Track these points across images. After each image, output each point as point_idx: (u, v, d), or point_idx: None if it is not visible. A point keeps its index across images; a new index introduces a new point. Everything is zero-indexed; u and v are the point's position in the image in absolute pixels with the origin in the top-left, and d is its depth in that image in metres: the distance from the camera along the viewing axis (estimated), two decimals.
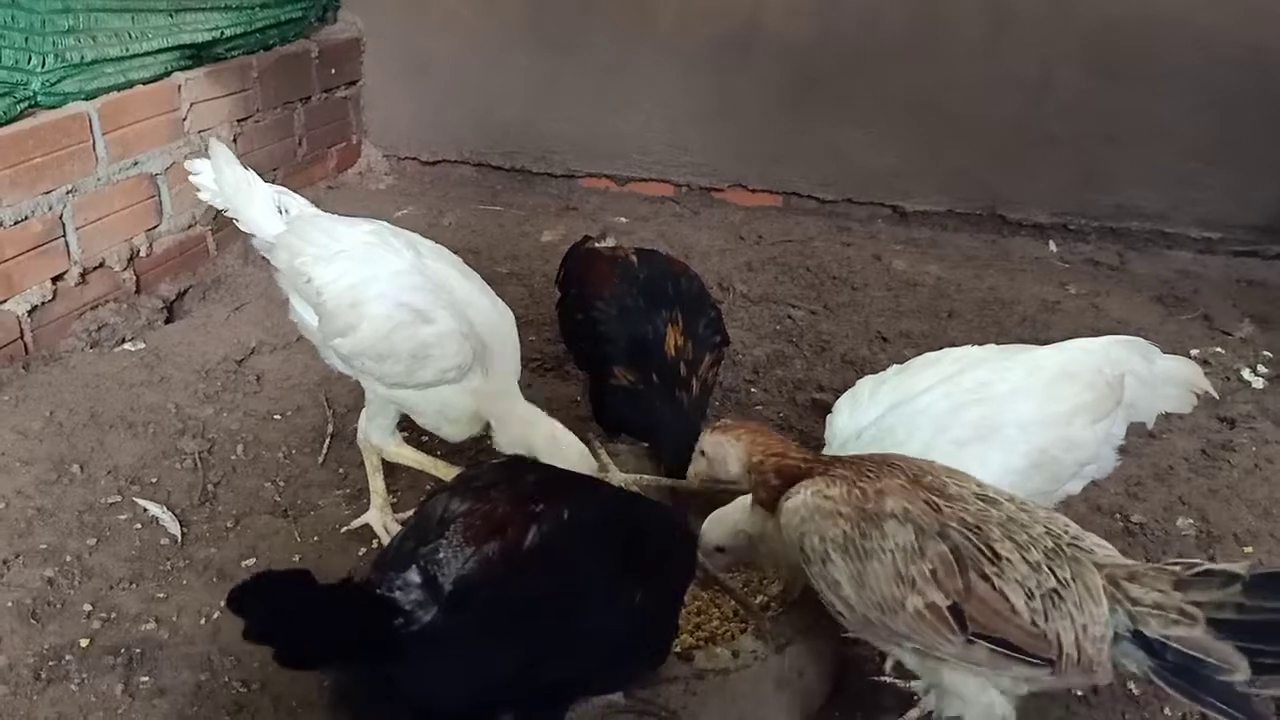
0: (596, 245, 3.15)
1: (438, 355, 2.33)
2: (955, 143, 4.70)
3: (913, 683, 2.28)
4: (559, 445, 2.35)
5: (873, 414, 2.06)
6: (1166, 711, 2.24)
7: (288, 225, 2.45)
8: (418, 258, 2.44)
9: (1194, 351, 3.63)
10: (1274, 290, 4.26)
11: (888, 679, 2.31)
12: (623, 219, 4.84)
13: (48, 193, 3.45)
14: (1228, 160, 4.39)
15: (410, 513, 2.74)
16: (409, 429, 2.69)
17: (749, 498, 2.11)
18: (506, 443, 2.51)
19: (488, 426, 2.49)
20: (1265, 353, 3.70)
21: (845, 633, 2.33)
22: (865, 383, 2.15)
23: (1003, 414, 1.96)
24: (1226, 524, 2.80)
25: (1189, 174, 4.46)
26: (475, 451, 2.95)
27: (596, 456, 2.55)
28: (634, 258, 2.92)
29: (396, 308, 2.32)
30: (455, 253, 2.61)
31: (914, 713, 2.20)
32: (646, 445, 2.74)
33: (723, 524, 2.14)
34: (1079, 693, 2.28)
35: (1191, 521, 2.81)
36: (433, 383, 2.37)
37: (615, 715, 1.86)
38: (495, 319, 2.49)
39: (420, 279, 2.39)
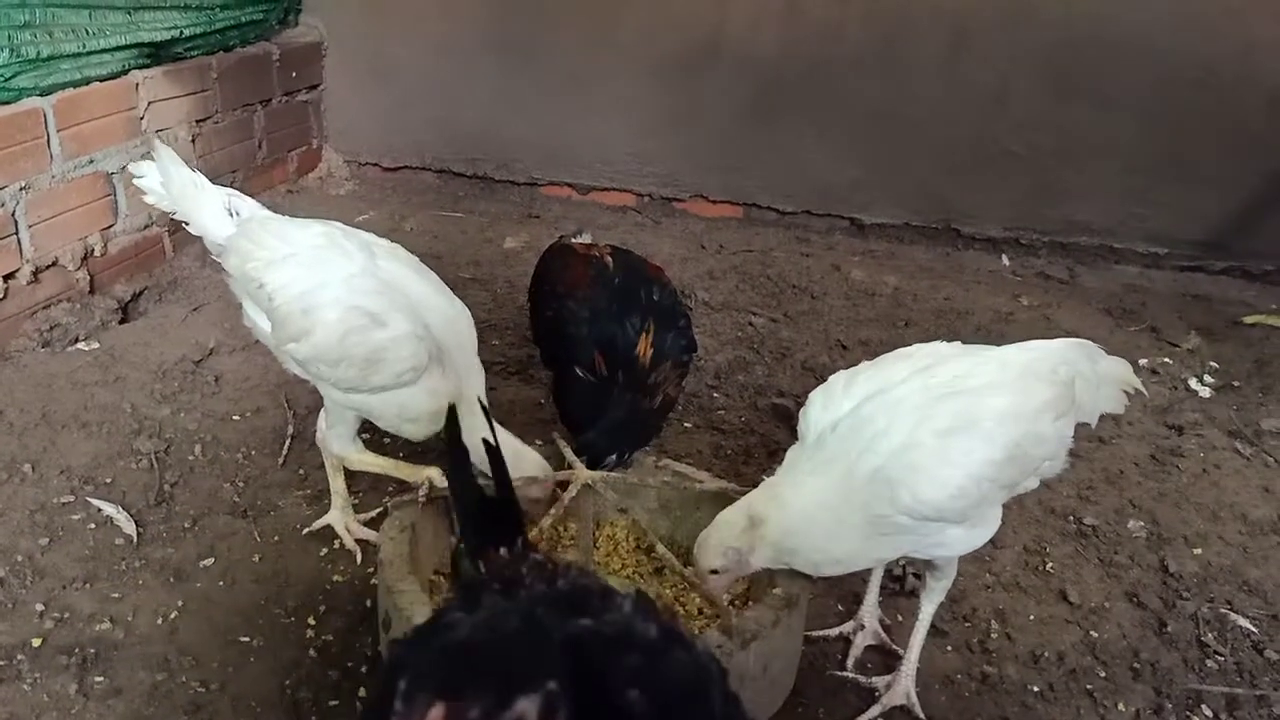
0: (572, 241, 3.15)
1: (392, 359, 2.30)
2: (913, 157, 4.79)
3: (874, 679, 2.31)
4: (521, 460, 2.36)
5: (848, 405, 2.08)
6: (1121, 707, 2.29)
7: (238, 227, 2.40)
8: (370, 259, 2.40)
9: (1142, 362, 3.74)
10: (1218, 304, 4.39)
11: (849, 675, 2.34)
12: (576, 229, 4.85)
13: (0, 189, 3.39)
14: (1174, 178, 4.52)
15: (374, 513, 2.73)
16: (370, 430, 2.68)
17: (727, 514, 2.12)
18: (470, 441, 2.51)
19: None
20: (1211, 363, 3.81)
21: (809, 630, 2.37)
22: (838, 377, 2.17)
23: (979, 407, 2.00)
24: (1176, 526, 2.87)
25: (1137, 190, 4.58)
26: (438, 454, 2.94)
27: (562, 454, 2.56)
28: (609, 259, 2.92)
29: (349, 312, 2.29)
30: (417, 258, 2.59)
31: (875, 709, 2.23)
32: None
33: (712, 546, 2.11)
34: (1035, 689, 2.33)
35: (1142, 524, 2.88)
36: (389, 386, 2.35)
37: None
38: (452, 317, 2.47)
39: (373, 282, 2.36)
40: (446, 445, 1.64)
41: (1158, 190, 4.55)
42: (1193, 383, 3.67)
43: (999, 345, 2.21)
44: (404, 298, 2.37)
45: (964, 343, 2.24)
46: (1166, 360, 3.82)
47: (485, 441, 1.68)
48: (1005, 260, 4.75)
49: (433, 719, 0.93)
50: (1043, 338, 2.31)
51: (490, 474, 1.62)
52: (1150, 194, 4.56)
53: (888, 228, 4.94)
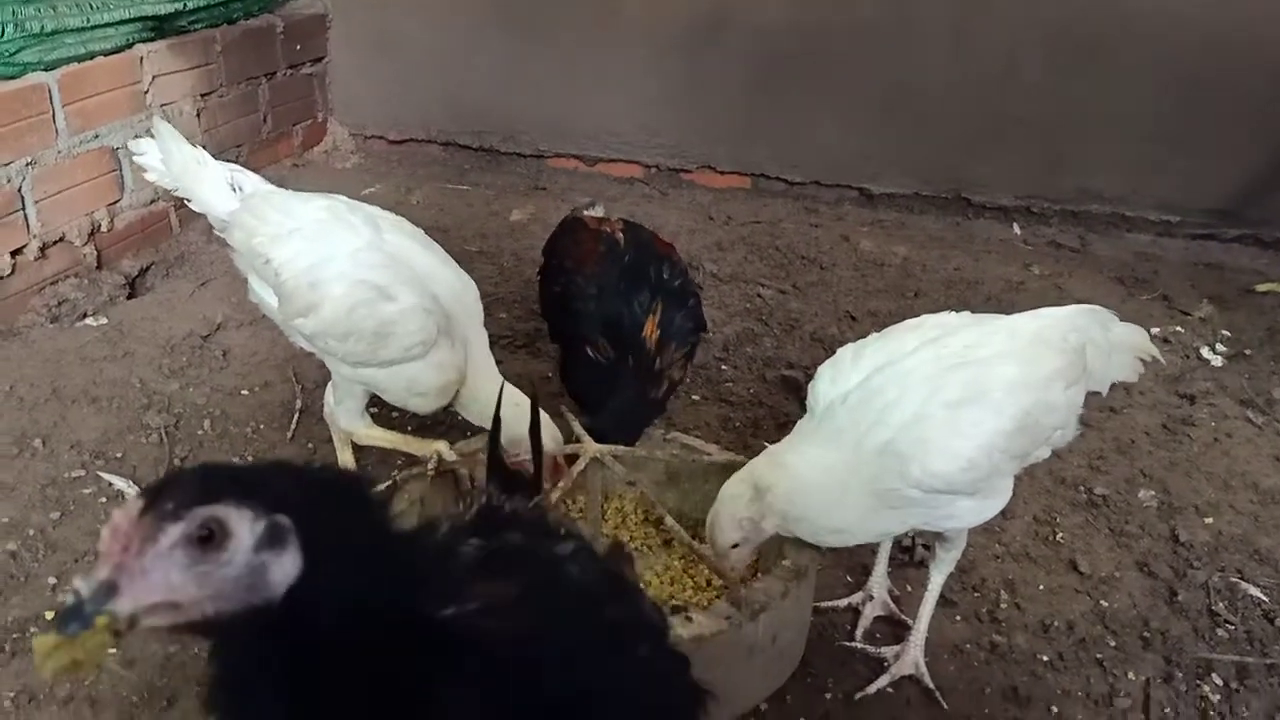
0: (584, 215, 3.13)
1: (400, 333, 2.30)
2: (922, 126, 4.74)
3: (883, 649, 2.31)
4: (522, 417, 2.35)
5: (856, 377, 2.06)
6: (1130, 676, 2.28)
7: (241, 203, 2.39)
8: (376, 233, 2.39)
9: (1154, 330, 3.70)
10: (1231, 272, 4.35)
11: (858, 645, 2.34)
12: (589, 200, 4.83)
13: (6, 164, 3.38)
14: (1187, 145, 4.46)
15: (382, 487, 2.73)
16: (378, 404, 2.67)
17: (731, 487, 2.11)
18: (475, 415, 2.52)
19: (455, 398, 2.49)
20: (1224, 331, 3.77)
21: (818, 601, 2.37)
22: (846, 349, 2.16)
23: (989, 377, 1.98)
24: (1187, 495, 2.86)
25: (1149, 158, 4.53)
26: (446, 427, 2.94)
27: (570, 427, 2.56)
28: (620, 235, 2.88)
29: (356, 286, 2.28)
30: (423, 232, 2.58)
31: (884, 679, 2.24)
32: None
33: (725, 521, 2.10)
34: (1045, 658, 2.33)
35: (1153, 493, 2.87)
36: (397, 360, 2.34)
37: None
38: (459, 290, 2.47)
39: (379, 256, 2.35)
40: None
41: (1170, 158, 4.49)
42: (1205, 351, 3.64)
43: (1009, 315, 2.19)
44: (410, 271, 2.36)
45: (974, 313, 2.22)
46: (1178, 329, 3.79)
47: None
48: (1016, 229, 4.70)
49: (129, 509, 0.93)
50: (1051, 306, 2.29)
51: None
52: (1162, 162, 4.51)
53: (897, 197, 4.90)
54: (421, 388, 2.41)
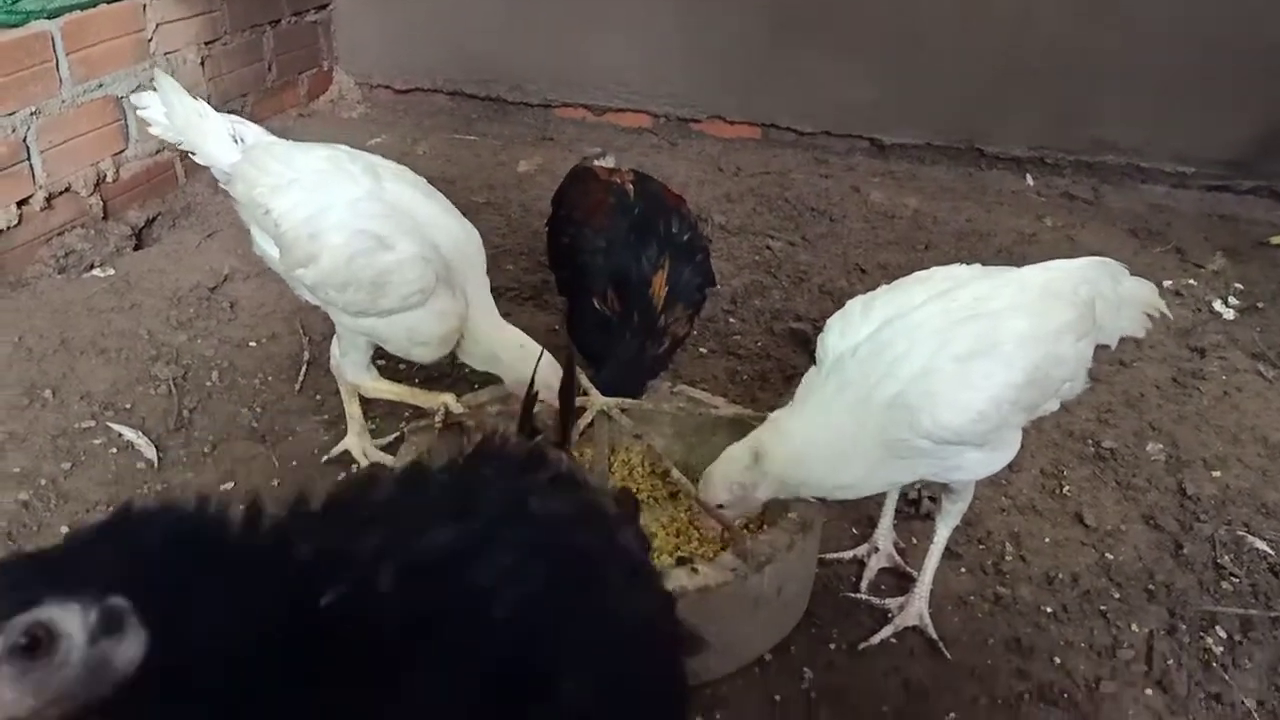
0: (594, 165, 3.10)
1: (398, 282, 2.30)
2: (935, 76, 4.66)
3: (887, 600, 2.32)
4: (527, 353, 2.36)
5: (866, 330, 2.05)
6: (1134, 628, 2.30)
7: (242, 154, 2.39)
8: (376, 182, 2.38)
9: (1167, 283, 3.68)
10: (1245, 224, 4.30)
11: (863, 597, 2.35)
12: (599, 150, 4.79)
13: (10, 114, 3.36)
14: (1202, 96, 4.39)
15: (390, 438, 2.75)
16: (384, 358, 2.68)
17: (733, 450, 2.10)
18: (479, 361, 2.51)
19: (457, 346, 2.49)
20: (1236, 284, 3.74)
21: (823, 553, 2.38)
22: (855, 302, 2.15)
23: (999, 330, 1.97)
24: (1195, 449, 2.85)
25: (1164, 109, 4.46)
26: (453, 380, 2.95)
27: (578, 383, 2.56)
28: (630, 186, 2.85)
29: (355, 236, 2.28)
30: (430, 182, 2.56)
31: (887, 630, 2.25)
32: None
33: (716, 481, 2.10)
34: (1049, 609, 2.34)
35: (1161, 447, 2.86)
36: (396, 309, 2.34)
37: None
38: (461, 238, 2.46)
39: (379, 205, 2.34)
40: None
41: (1186, 109, 4.42)
42: (1216, 304, 3.61)
43: (1020, 267, 2.17)
44: (410, 220, 2.35)
45: (985, 265, 2.20)
46: (1191, 282, 3.76)
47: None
48: (1029, 180, 4.65)
49: None
50: (1062, 258, 2.27)
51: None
52: (1178, 113, 4.44)
53: (909, 148, 4.84)
54: (422, 336, 2.41)
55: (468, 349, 2.49)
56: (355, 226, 2.28)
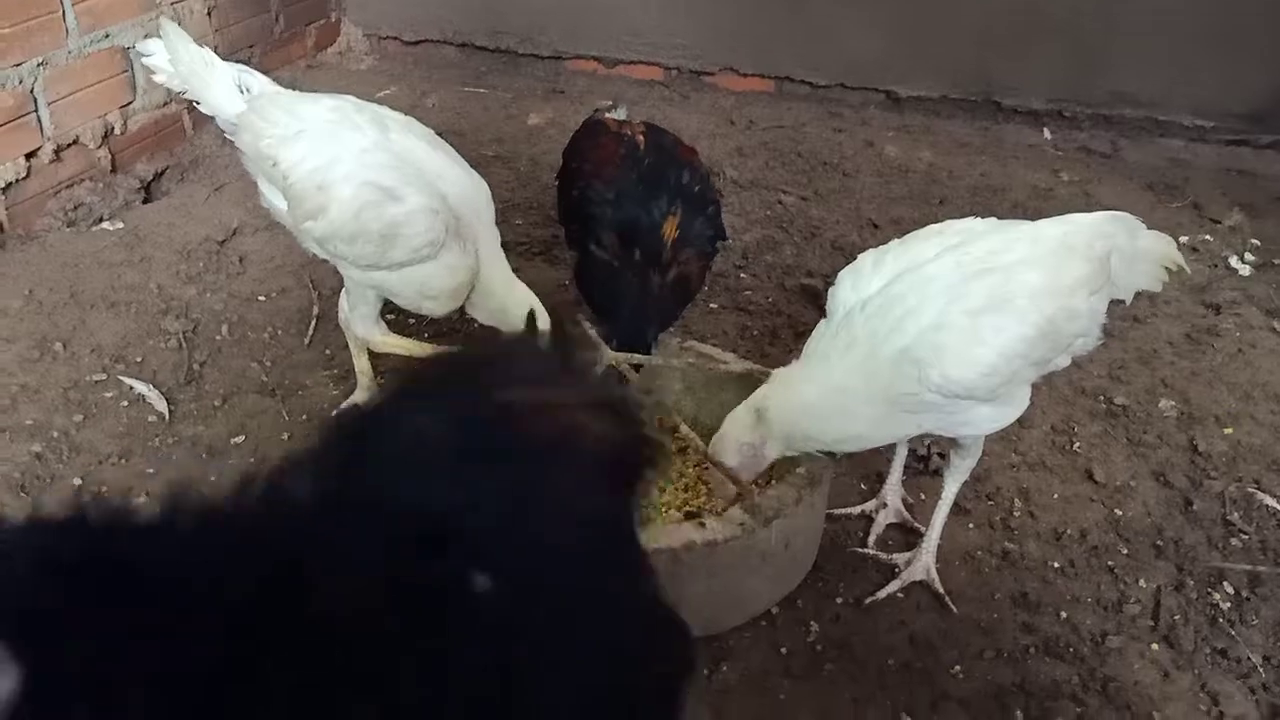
0: (605, 117, 3.07)
1: (408, 234, 2.29)
2: (951, 27, 4.58)
3: (894, 555, 2.33)
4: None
5: (877, 283, 2.04)
6: (1141, 583, 2.30)
7: (249, 104, 2.36)
8: (383, 133, 2.37)
9: (1183, 239, 3.63)
10: (1263, 179, 4.23)
11: (870, 552, 2.36)
12: (610, 103, 4.73)
13: (18, 65, 3.34)
14: (1223, 48, 4.30)
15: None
16: (394, 311, 2.67)
17: (738, 410, 2.11)
18: (485, 315, 2.51)
19: (467, 301, 2.48)
20: (1253, 240, 3.69)
21: (831, 508, 2.39)
22: (866, 255, 2.13)
23: (1012, 284, 1.95)
24: (1208, 406, 2.83)
25: (1184, 61, 4.37)
26: (463, 335, 2.94)
27: (585, 336, 2.55)
28: (641, 138, 2.82)
29: (363, 188, 2.27)
30: (438, 135, 2.53)
31: (894, 584, 2.26)
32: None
33: (728, 444, 2.11)
34: (1056, 565, 2.35)
35: (1173, 403, 2.84)
36: (406, 262, 2.34)
37: None
38: (469, 190, 2.44)
39: (387, 156, 2.33)
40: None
41: (1207, 61, 4.33)
42: (1233, 261, 3.57)
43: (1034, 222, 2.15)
44: (418, 172, 2.34)
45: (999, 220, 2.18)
46: (1207, 238, 3.71)
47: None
48: (1047, 134, 4.58)
49: None
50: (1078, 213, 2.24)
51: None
52: (1199, 65, 4.35)
53: (924, 101, 4.77)
54: (433, 290, 2.41)
55: (478, 303, 2.49)
56: (363, 178, 2.27)
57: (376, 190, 2.26)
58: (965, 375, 1.92)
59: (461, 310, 2.51)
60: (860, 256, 2.14)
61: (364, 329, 2.57)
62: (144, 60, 2.45)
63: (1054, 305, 1.96)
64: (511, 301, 2.46)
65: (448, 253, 2.34)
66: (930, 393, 1.94)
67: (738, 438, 2.10)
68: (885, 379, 1.96)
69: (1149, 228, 2.23)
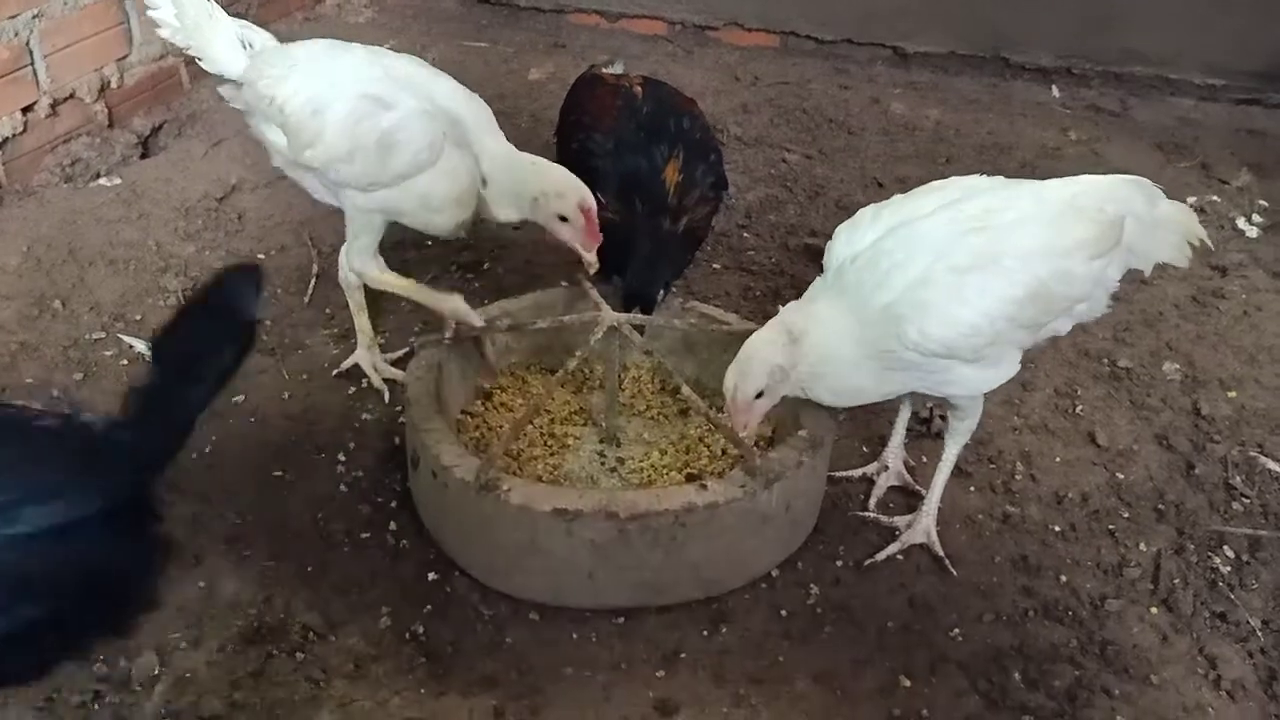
0: (603, 71, 3.02)
1: (404, 139, 2.32)
2: None
3: (895, 518, 2.33)
4: (540, 169, 2.41)
5: (870, 237, 2.02)
6: (1142, 546, 2.30)
7: (250, 60, 2.40)
8: (374, 55, 2.46)
9: (1191, 199, 3.57)
10: (1273, 139, 4.17)
11: (871, 515, 2.36)
12: (608, 58, 4.67)
13: (13, 17, 3.29)
14: (1236, 5, 4.22)
15: (400, 353, 2.75)
16: (397, 247, 2.64)
17: (763, 334, 2.03)
18: (510, 202, 2.44)
19: (481, 205, 2.46)
20: (1261, 202, 3.65)
21: (833, 470, 2.38)
22: (866, 210, 2.11)
23: (1003, 243, 1.93)
24: (1212, 369, 2.82)
25: (1196, 17, 4.30)
26: (461, 280, 2.93)
27: (587, 295, 2.53)
28: (639, 88, 2.79)
29: (356, 102, 2.33)
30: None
31: (894, 546, 2.27)
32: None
33: (756, 367, 2.00)
34: (1057, 528, 2.35)
35: (1177, 366, 2.83)
36: (408, 171, 2.35)
37: None
38: (463, 98, 2.47)
39: (378, 69, 2.40)
40: None
41: (1219, 17, 4.26)
42: (1240, 222, 3.53)
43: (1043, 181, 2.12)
44: (410, 82, 2.39)
45: (1006, 179, 2.15)
46: (1215, 199, 3.67)
47: None
48: (1055, 91, 4.52)
49: None
50: (1090, 174, 2.21)
51: None
52: (1210, 21, 4.28)
53: (932, 57, 4.69)
54: (437, 201, 2.41)
55: (494, 197, 2.44)
56: (356, 92, 2.33)
57: (369, 101, 2.32)
58: (945, 334, 1.90)
59: (474, 223, 2.49)
60: (860, 210, 2.12)
61: (361, 262, 2.54)
62: (149, 13, 2.43)
63: (1047, 267, 1.94)
64: (516, 178, 2.41)
65: (447, 158, 2.36)
66: (908, 350, 1.93)
67: (769, 359, 1.99)
68: (872, 334, 1.95)
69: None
